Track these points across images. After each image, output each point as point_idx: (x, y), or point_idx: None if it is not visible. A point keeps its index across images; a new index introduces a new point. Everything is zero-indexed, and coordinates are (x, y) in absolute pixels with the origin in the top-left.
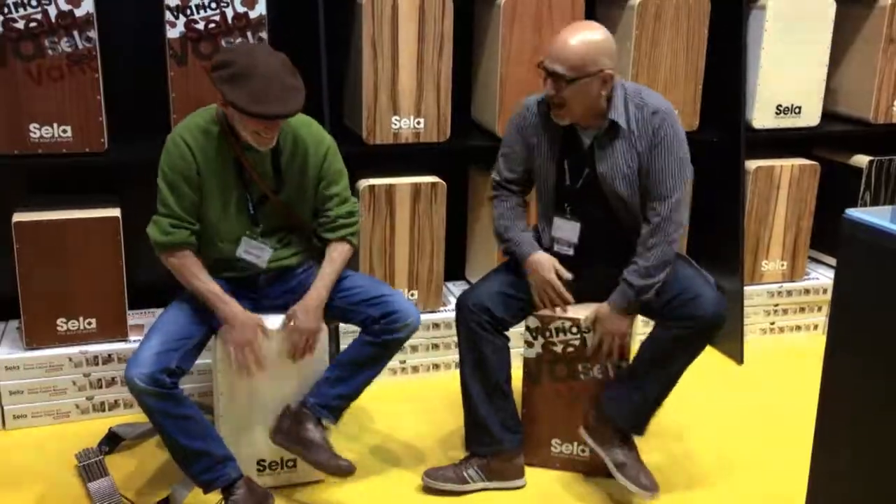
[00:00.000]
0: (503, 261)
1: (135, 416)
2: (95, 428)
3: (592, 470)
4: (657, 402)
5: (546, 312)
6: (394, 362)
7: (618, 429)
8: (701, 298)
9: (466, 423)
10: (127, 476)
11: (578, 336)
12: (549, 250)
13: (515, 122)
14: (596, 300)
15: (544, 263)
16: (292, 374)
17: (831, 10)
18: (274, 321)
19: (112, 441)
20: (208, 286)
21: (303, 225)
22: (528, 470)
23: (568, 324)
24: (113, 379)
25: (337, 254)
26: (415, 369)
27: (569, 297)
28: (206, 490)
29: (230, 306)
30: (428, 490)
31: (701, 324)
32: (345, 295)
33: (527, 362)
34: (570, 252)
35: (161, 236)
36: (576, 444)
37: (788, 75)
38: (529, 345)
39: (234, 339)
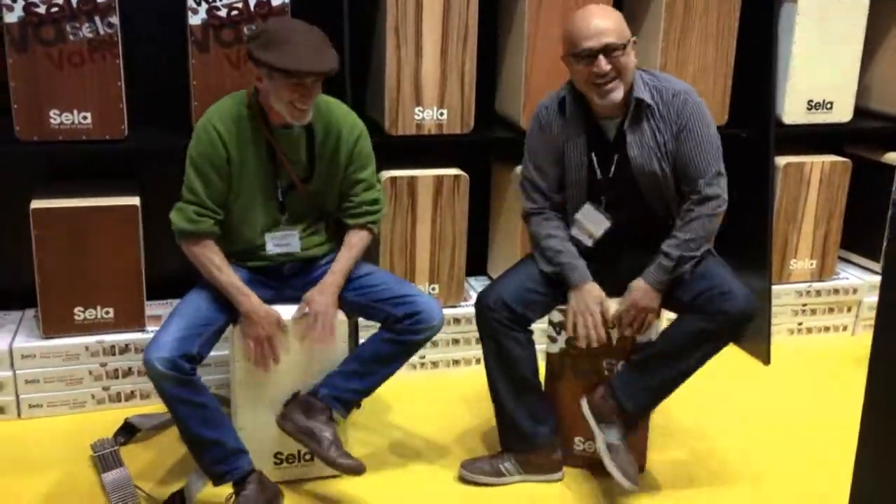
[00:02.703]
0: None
1: (151, 406)
2: (111, 418)
3: None
4: (668, 391)
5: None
6: (413, 357)
7: (621, 409)
8: (732, 294)
9: (497, 421)
10: (142, 467)
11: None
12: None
13: (535, 128)
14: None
15: (592, 294)
16: (311, 365)
17: (865, 2)
18: (293, 312)
19: (128, 432)
20: (230, 279)
21: (329, 215)
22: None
23: (598, 340)
24: (130, 369)
25: (357, 239)
26: (434, 365)
27: (603, 334)
28: (217, 482)
29: (251, 300)
30: (467, 482)
31: (730, 319)
32: (367, 292)
33: (549, 358)
34: (589, 244)
35: (186, 224)
36: None
37: (820, 69)
38: (552, 340)
39: (254, 334)
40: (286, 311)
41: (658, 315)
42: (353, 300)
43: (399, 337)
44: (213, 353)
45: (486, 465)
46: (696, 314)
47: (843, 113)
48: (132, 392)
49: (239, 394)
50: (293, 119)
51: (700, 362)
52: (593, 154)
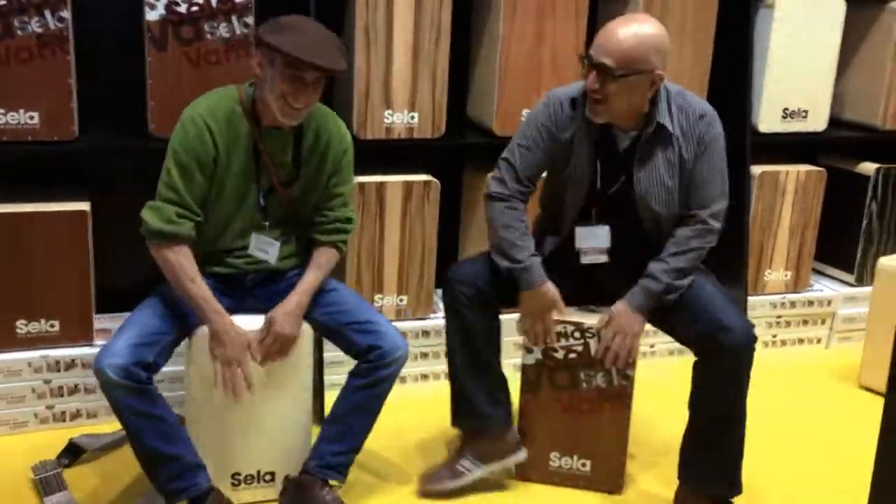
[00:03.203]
0: None
1: (99, 426)
2: (56, 439)
3: (593, 486)
4: (740, 447)
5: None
6: None
7: (714, 496)
8: (730, 329)
9: (452, 398)
10: (87, 491)
11: (581, 341)
12: (566, 260)
13: (545, 115)
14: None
15: (546, 296)
16: (272, 380)
17: (841, 10)
18: (258, 322)
19: (72, 453)
20: (203, 292)
21: (299, 226)
22: (526, 486)
23: (570, 328)
24: (76, 386)
25: (325, 259)
26: (402, 380)
27: (554, 339)
28: (172, 501)
29: (223, 319)
30: (429, 496)
31: (734, 356)
32: (331, 311)
33: (525, 370)
34: (605, 259)
35: (163, 225)
36: (576, 457)
37: (796, 77)
38: (528, 351)
39: (223, 356)
40: (247, 322)
41: (639, 339)
42: (318, 318)
43: (368, 379)
44: (166, 369)
45: (445, 471)
46: (703, 365)
47: (817, 122)
48: (78, 411)
49: (194, 410)
50: (283, 116)
51: (741, 400)
52: (598, 162)
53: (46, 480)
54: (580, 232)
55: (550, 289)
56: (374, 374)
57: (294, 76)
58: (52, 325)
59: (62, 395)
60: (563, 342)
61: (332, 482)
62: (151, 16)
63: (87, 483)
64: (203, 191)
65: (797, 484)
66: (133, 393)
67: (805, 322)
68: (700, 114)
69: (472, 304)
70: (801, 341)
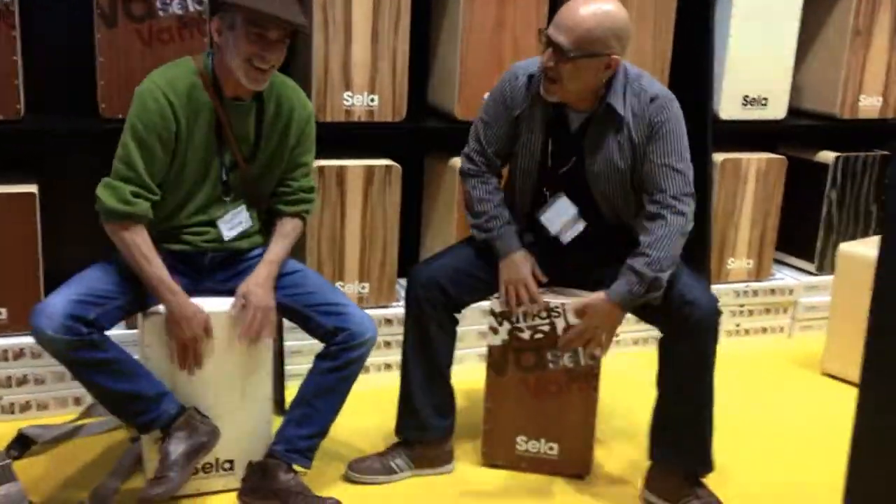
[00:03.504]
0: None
1: (49, 418)
2: (4, 432)
3: (561, 470)
4: (709, 423)
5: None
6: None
7: (685, 474)
8: (696, 303)
9: (400, 406)
10: (38, 482)
11: (548, 321)
12: (540, 241)
13: (500, 89)
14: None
15: (523, 262)
16: (232, 366)
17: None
18: (217, 304)
19: (22, 444)
20: (159, 272)
21: (263, 203)
22: (491, 472)
23: (536, 308)
24: (25, 377)
25: (290, 228)
26: (365, 369)
27: (541, 300)
28: (145, 432)
29: (178, 298)
30: (355, 482)
31: (698, 327)
32: (297, 294)
33: (491, 351)
34: (583, 226)
35: (119, 205)
36: (543, 440)
37: (756, 65)
38: (494, 331)
39: (179, 335)
40: (210, 304)
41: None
42: (282, 301)
43: (334, 362)
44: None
45: (377, 464)
46: (669, 340)
47: (777, 109)
48: (28, 403)
49: None
50: (249, 80)
51: (708, 374)
52: (550, 141)
53: None
54: (545, 218)
55: (525, 254)
56: (343, 356)
57: (258, 35)
58: None
59: (11, 386)
60: (528, 322)
61: (297, 467)
62: None
63: (37, 475)
64: (163, 167)
65: (766, 468)
66: (75, 347)
67: (767, 311)
68: (651, 97)
69: (435, 313)
70: (763, 331)
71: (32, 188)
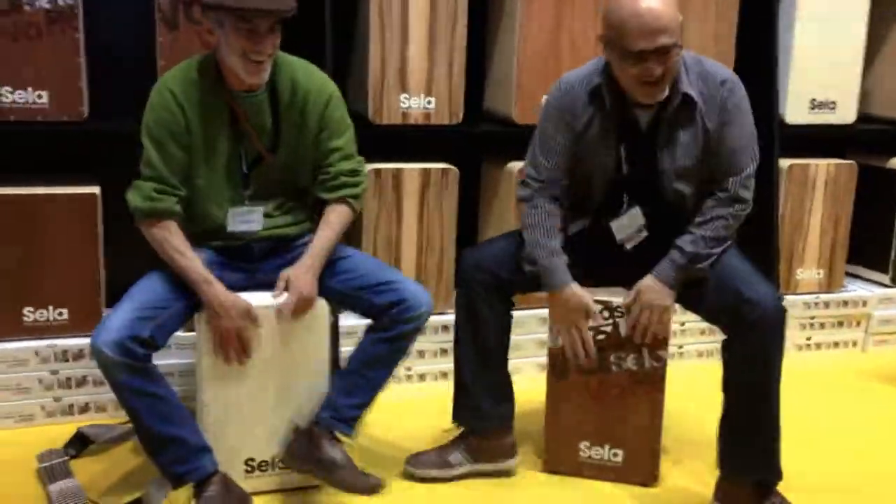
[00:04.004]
0: None
1: (107, 420)
2: (62, 433)
3: (625, 477)
4: (776, 430)
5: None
6: (399, 370)
7: (755, 484)
8: (754, 302)
9: (455, 392)
10: (95, 480)
11: (611, 321)
12: (606, 249)
13: (557, 105)
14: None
15: (575, 303)
16: (286, 359)
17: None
18: (264, 299)
19: (80, 443)
20: (192, 263)
21: (303, 191)
22: (553, 478)
23: (598, 307)
24: (84, 378)
25: (335, 216)
26: (422, 377)
27: (593, 350)
28: (176, 484)
29: (214, 288)
30: (412, 478)
31: (759, 330)
32: (346, 278)
33: (551, 353)
34: (644, 235)
35: (143, 203)
36: (607, 447)
37: (822, 68)
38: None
39: (221, 326)
40: (258, 299)
41: (673, 312)
42: (332, 286)
43: (387, 333)
44: (175, 361)
45: (434, 457)
46: (730, 342)
47: (846, 113)
48: (87, 404)
49: (206, 391)
50: (248, 75)
51: (773, 378)
52: (622, 147)
53: (51, 469)
54: (615, 226)
55: (577, 291)
56: (396, 328)
57: (248, 29)
58: (59, 314)
59: (70, 387)
60: (590, 323)
61: (340, 436)
62: None
63: (94, 473)
64: (182, 163)
65: (842, 482)
66: (129, 371)
67: (840, 324)
68: (721, 79)
69: (486, 294)
70: (836, 345)
71: (95, 189)
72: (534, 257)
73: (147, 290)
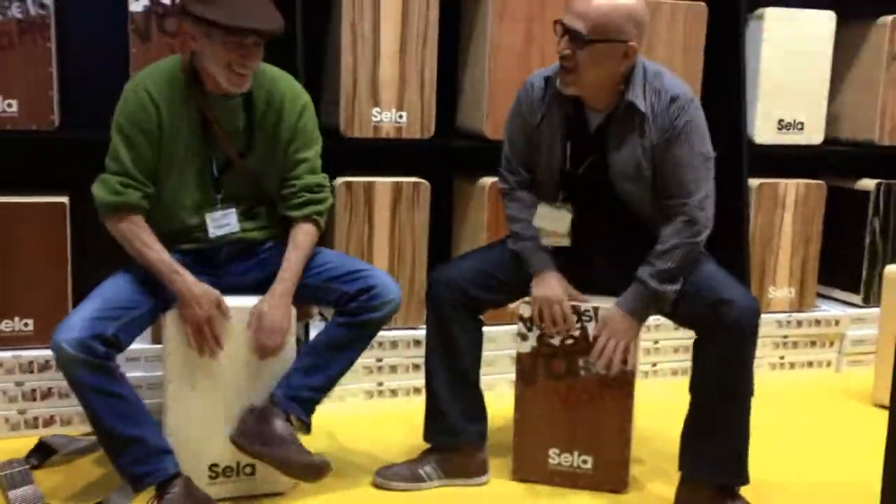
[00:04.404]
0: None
1: (73, 433)
2: (27, 446)
3: (596, 485)
4: (745, 433)
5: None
6: (371, 384)
7: (718, 486)
8: (731, 302)
9: (426, 411)
10: (55, 491)
11: (578, 325)
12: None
13: (518, 100)
14: (599, 292)
15: (557, 282)
16: (254, 364)
17: (830, 23)
18: (232, 303)
19: (42, 453)
20: (160, 255)
21: (269, 196)
22: (523, 487)
23: (568, 327)
24: (49, 390)
25: (303, 236)
26: (393, 392)
27: (574, 323)
28: (137, 486)
29: (184, 278)
30: (382, 489)
31: (736, 329)
32: (317, 272)
33: (520, 358)
34: (566, 243)
35: (109, 196)
36: (576, 453)
37: (790, 89)
38: (523, 337)
39: (191, 316)
40: (231, 304)
41: (636, 343)
42: (304, 282)
43: (355, 319)
44: (141, 374)
45: (405, 470)
46: (703, 342)
47: (813, 134)
48: (52, 417)
49: (171, 393)
50: (231, 85)
51: (746, 378)
52: (568, 144)
53: (12, 476)
54: (540, 210)
55: (560, 277)
56: (363, 314)
57: (236, 43)
58: (25, 325)
59: (35, 400)
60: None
61: (293, 418)
62: (135, 6)
63: (56, 482)
64: (150, 160)
65: (811, 494)
66: (90, 368)
67: (813, 343)
68: (672, 96)
69: (456, 313)
70: (809, 364)
71: (63, 199)
72: (522, 244)
73: (113, 290)
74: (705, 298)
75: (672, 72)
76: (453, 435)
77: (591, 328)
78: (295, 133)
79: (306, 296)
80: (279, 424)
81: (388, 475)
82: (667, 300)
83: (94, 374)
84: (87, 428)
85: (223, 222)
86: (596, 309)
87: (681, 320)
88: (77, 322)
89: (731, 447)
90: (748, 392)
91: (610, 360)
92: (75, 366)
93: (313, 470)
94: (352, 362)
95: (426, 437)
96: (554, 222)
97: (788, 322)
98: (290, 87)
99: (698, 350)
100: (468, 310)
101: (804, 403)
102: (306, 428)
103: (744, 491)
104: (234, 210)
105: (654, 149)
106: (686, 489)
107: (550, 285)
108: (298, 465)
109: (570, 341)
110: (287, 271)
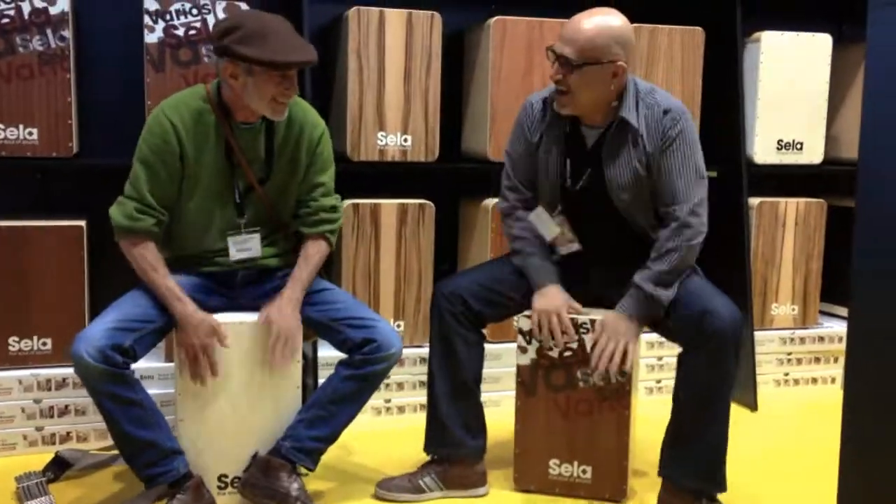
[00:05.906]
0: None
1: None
2: (44, 462)
3: (595, 494)
4: (724, 442)
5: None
6: (378, 401)
7: (696, 493)
8: (714, 313)
9: (427, 421)
10: (70, 503)
11: (577, 338)
12: (567, 260)
13: (518, 120)
14: (598, 304)
15: (558, 294)
16: (260, 380)
17: (827, 45)
18: (241, 318)
19: (58, 467)
20: (165, 281)
21: (286, 224)
22: (524, 497)
23: (567, 339)
24: (66, 407)
25: (314, 250)
26: (401, 409)
27: (573, 334)
28: (150, 485)
29: (185, 305)
30: (383, 500)
31: (717, 339)
32: (326, 309)
33: (520, 371)
34: (576, 248)
35: (124, 220)
36: (576, 463)
37: (789, 110)
38: (523, 350)
39: (188, 342)
40: (239, 318)
41: (636, 346)
42: (310, 315)
43: (358, 371)
44: (154, 391)
45: (405, 482)
46: (687, 352)
47: (813, 154)
48: (68, 434)
49: (182, 407)
50: (274, 115)
51: (725, 386)
52: (567, 160)
53: (28, 488)
54: (538, 210)
55: (562, 290)
56: (366, 367)
57: (280, 76)
58: (44, 344)
59: (53, 416)
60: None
61: (301, 468)
62: (150, 38)
63: (72, 496)
64: (169, 189)
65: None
66: (109, 378)
67: (817, 360)
68: (665, 109)
69: (458, 326)
70: (814, 381)
71: (81, 222)
72: (525, 260)
73: (130, 304)
74: (689, 309)
75: (668, 92)
76: (453, 447)
77: (588, 340)
78: (313, 158)
79: (313, 327)
80: (286, 478)
81: (388, 487)
82: (661, 305)
83: (111, 381)
84: (103, 444)
85: (245, 246)
86: (594, 321)
87: (667, 332)
88: (97, 333)
89: (709, 454)
90: (727, 403)
91: (609, 362)
92: (94, 374)
93: None
94: (356, 412)
95: (426, 449)
96: (543, 226)
97: (792, 339)
98: (307, 114)
99: (681, 361)
100: (470, 322)
101: (808, 420)
102: (312, 468)
103: None
104: (257, 235)
105: (649, 158)
106: (666, 494)
107: (551, 297)
108: None
109: (568, 353)
110: (297, 278)
